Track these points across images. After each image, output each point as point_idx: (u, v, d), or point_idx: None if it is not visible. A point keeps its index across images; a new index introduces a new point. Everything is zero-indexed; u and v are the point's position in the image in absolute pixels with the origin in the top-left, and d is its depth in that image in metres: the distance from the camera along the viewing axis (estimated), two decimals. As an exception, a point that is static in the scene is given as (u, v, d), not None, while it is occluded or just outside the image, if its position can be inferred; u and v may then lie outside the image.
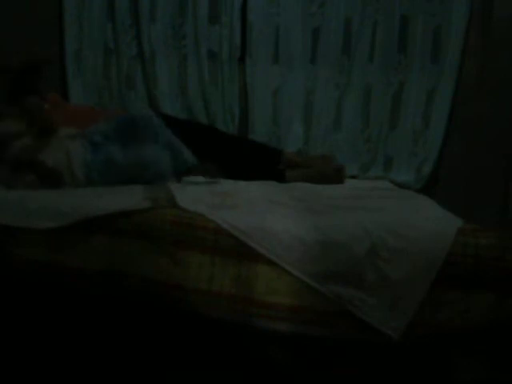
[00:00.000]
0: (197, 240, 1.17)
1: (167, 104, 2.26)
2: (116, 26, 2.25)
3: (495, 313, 1.12)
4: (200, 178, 1.60)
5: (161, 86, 2.27)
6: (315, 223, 1.18)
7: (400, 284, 1.11)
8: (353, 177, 2.16)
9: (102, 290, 1.20)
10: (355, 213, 1.25)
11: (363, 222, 1.17)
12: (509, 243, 1.16)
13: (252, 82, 2.27)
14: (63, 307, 1.24)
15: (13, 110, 1.58)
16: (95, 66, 2.29)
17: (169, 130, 1.59)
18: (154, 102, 2.25)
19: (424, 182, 2.18)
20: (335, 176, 1.87)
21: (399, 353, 1.13)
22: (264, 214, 1.22)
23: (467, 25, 2.13)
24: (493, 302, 1.13)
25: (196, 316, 1.15)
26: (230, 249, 1.16)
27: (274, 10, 2.22)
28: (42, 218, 1.24)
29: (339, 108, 2.28)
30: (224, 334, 1.16)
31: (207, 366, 1.19)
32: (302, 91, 2.27)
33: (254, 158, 1.79)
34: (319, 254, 1.13)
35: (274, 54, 2.26)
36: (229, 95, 2.26)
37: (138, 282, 1.18)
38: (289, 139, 2.30)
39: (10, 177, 1.45)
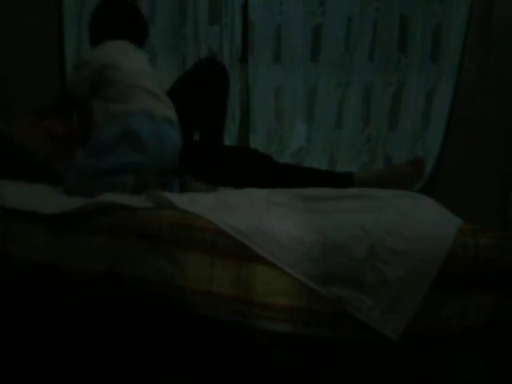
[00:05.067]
0: (196, 241, 1.17)
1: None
2: (116, 25, 2.25)
3: (495, 313, 1.12)
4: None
5: (161, 86, 2.26)
6: (314, 224, 1.18)
7: (399, 285, 1.11)
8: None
9: (102, 291, 1.20)
10: (355, 213, 1.25)
11: (363, 223, 1.17)
12: (509, 243, 1.15)
13: (254, 82, 2.28)
14: (62, 308, 1.24)
15: None
16: (95, 66, 2.29)
17: None
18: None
19: (424, 181, 2.19)
20: (413, 170, 1.65)
21: (399, 353, 1.13)
22: (263, 215, 1.22)
23: (467, 24, 2.13)
24: (493, 302, 1.12)
25: (195, 317, 1.15)
26: (230, 250, 1.16)
27: (276, 8, 2.23)
28: (47, 205, 1.26)
29: (340, 107, 2.28)
30: (223, 335, 1.16)
31: (207, 367, 1.19)
32: (303, 90, 2.28)
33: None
34: (319, 256, 1.13)
35: (275, 53, 2.27)
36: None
37: (138, 282, 1.18)
38: (291, 138, 2.30)
39: None
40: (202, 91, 1.75)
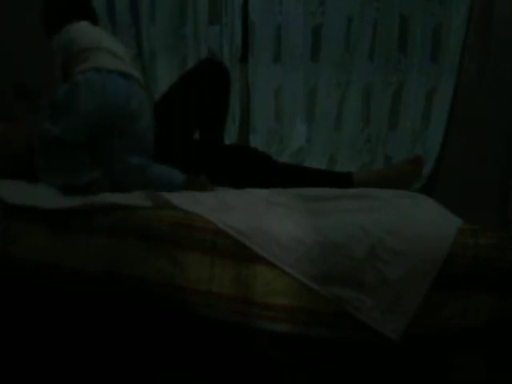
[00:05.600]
0: (196, 241, 1.17)
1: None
2: (116, 26, 2.25)
3: (495, 313, 1.12)
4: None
5: (161, 86, 2.27)
6: (315, 224, 1.18)
7: (399, 285, 1.11)
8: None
9: (102, 291, 1.20)
10: (355, 213, 1.25)
11: (363, 223, 1.17)
12: (509, 243, 1.15)
13: (254, 82, 2.28)
14: (62, 308, 1.24)
15: None
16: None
17: None
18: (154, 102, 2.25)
19: (424, 181, 2.19)
20: (412, 168, 1.66)
21: (399, 353, 1.13)
22: (263, 215, 1.22)
23: (467, 24, 2.13)
24: (493, 302, 1.13)
25: (195, 317, 1.15)
26: (230, 250, 1.16)
27: (276, 8, 2.22)
28: (47, 201, 1.27)
29: (340, 107, 2.28)
30: (223, 335, 1.16)
31: (207, 367, 1.19)
32: (303, 90, 2.28)
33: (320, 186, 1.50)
34: (319, 256, 1.13)
35: (275, 53, 2.27)
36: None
37: (138, 282, 1.18)
38: (291, 138, 2.30)
39: None
40: (202, 91, 1.75)
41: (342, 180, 1.66)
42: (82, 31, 1.63)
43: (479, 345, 1.13)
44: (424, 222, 1.22)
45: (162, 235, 1.19)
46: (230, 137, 2.29)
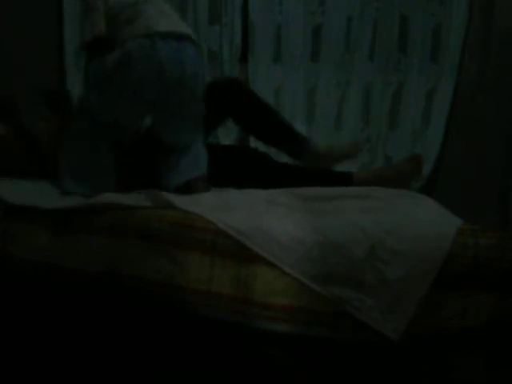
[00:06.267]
0: (196, 241, 1.17)
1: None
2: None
3: (495, 313, 1.12)
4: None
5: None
6: (315, 224, 1.18)
7: (399, 285, 1.11)
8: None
9: (102, 291, 1.20)
10: (355, 213, 1.25)
11: (363, 223, 1.17)
12: (509, 243, 1.16)
13: (254, 82, 2.28)
14: (62, 308, 1.24)
15: None
16: (95, 66, 2.29)
17: None
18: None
19: (424, 182, 2.18)
20: (412, 167, 1.66)
21: (399, 353, 1.13)
22: (263, 215, 1.22)
23: (467, 24, 2.13)
24: (493, 302, 1.13)
25: (195, 317, 1.15)
26: (230, 250, 1.16)
27: (276, 8, 2.22)
28: (47, 201, 1.27)
29: (340, 107, 2.28)
30: (223, 335, 1.16)
31: (207, 367, 1.19)
32: (303, 90, 2.28)
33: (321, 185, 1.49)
34: (319, 256, 1.13)
35: (275, 53, 2.27)
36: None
37: (138, 282, 1.18)
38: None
39: None
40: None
41: (341, 180, 1.66)
42: None
43: (479, 345, 1.13)
44: (424, 222, 1.22)
45: (162, 235, 1.19)
46: (230, 137, 2.29)
